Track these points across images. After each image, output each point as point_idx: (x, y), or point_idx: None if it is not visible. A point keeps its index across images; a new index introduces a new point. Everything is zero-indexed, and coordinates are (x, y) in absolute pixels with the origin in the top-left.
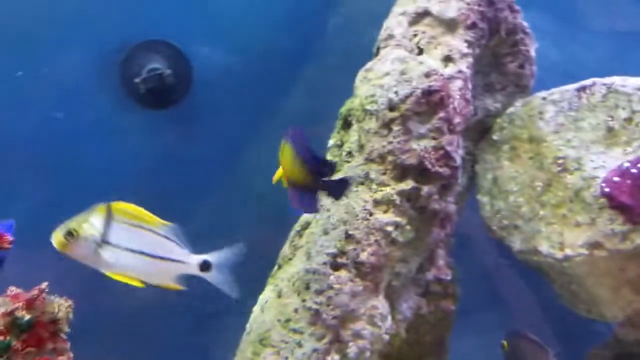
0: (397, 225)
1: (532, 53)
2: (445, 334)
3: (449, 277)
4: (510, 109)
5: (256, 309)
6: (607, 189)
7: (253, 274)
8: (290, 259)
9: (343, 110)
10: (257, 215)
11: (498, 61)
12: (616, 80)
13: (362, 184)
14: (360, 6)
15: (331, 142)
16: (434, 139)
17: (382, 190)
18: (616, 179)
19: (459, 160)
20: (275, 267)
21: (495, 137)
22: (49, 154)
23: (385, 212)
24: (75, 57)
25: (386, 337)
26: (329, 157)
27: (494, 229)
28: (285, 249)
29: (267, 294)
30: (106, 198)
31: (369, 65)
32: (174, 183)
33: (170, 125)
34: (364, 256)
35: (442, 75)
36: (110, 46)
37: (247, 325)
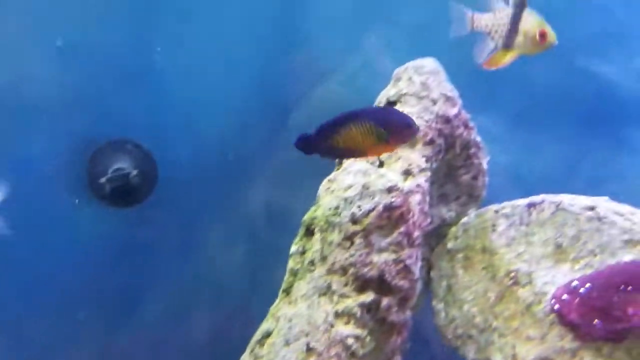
0: (357, 338)
1: (484, 165)
2: None
3: None
4: (465, 219)
5: None
6: (556, 307)
7: None
8: None
9: (306, 218)
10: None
11: (452, 173)
12: (564, 199)
13: (324, 294)
14: (325, 105)
15: (293, 248)
16: (394, 252)
17: (343, 302)
18: (565, 296)
19: (417, 273)
20: None
21: (450, 245)
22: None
23: (346, 324)
24: (41, 154)
25: None
26: (291, 263)
27: (448, 338)
28: (246, 358)
29: None
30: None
31: (332, 175)
32: (135, 278)
33: (135, 222)
34: None
35: (402, 190)
36: (76, 145)
37: None
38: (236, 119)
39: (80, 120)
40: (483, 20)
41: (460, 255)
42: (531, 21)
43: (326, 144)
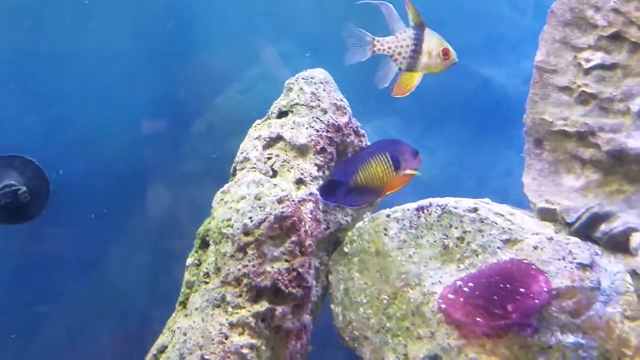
0: (252, 347)
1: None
2: None
3: None
4: (359, 224)
5: None
6: (443, 306)
7: None
8: None
9: (201, 229)
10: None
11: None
12: (450, 202)
13: (218, 306)
14: (225, 113)
15: (189, 260)
16: (287, 261)
17: (237, 313)
18: (451, 296)
19: (311, 281)
20: None
21: (346, 249)
22: None
23: (241, 334)
24: None
25: None
26: (187, 276)
27: (346, 340)
28: None
29: None
30: None
31: (225, 187)
32: (32, 295)
33: (29, 239)
34: None
35: (294, 200)
36: None
37: None
38: (134, 131)
39: None
40: (385, 44)
41: (356, 259)
42: (433, 41)
43: (350, 184)
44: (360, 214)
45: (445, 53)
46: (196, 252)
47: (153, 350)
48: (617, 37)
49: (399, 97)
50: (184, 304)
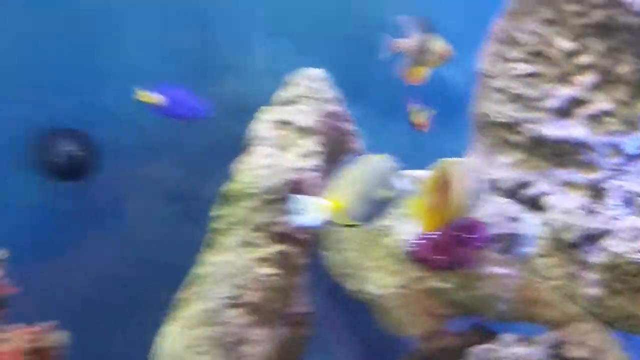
0: (272, 275)
1: (359, 146)
2: (300, 353)
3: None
4: None
5: (163, 338)
6: (410, 249)
7: None
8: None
9: (224, 190)
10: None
11: (339, 154)
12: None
13: (246, 246)
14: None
15: (215, 213)
16: None
17: (260, 251)
18: (417, 241)
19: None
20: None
21: None
22: None
23: (264, 267)
24: None
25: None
26: (213, 224)
27: (335, 275)
28: (181, 295)
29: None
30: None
31: (244, 158)
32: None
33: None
34: (250, 298)
35: (302, 168)
36: (29, 131)
37: (155, 354)
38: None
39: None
40: (403, 44)
41: None
42: (437, 43)
43: None
44: None
45: (447, 52)
46: (221, 207)
47: (189, 279)
48: (537, 53)
49: (409, 83)
50: (211, 246)
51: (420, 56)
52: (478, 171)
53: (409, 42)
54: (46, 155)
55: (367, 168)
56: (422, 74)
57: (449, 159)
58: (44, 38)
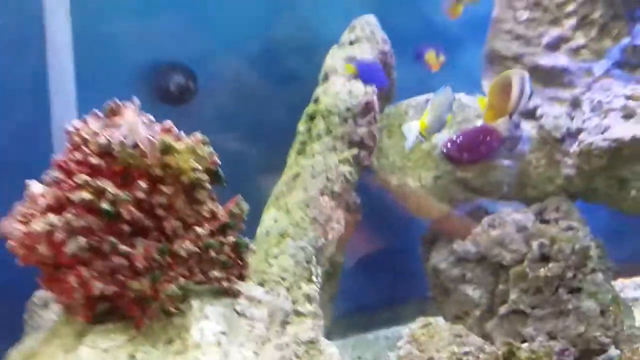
0: (350, 172)
1: (394, 75)
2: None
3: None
4: (386, 110)
5: (267, 220)
6: (444, 150)
7: None
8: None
9: (308, 110)
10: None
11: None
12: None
13: (332, 150)
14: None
15: (301, 128)
16: (368, 125)
17: (343, 154)
18: (448, 144)
19: (377, 136)
20: (273, 198)
21: (379, 125)
22: None
23: (345, 165)
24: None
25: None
26: (300, 137)
27: (381, 174)
28: (280, 187)
29: (275, 213)
30: None
31: (324, 86)
32: None
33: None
34: (335, 188)
35: (369, 93)
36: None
37: (263, 231)
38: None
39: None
40: None
41: (385, 130)
42: None
43: None
44: (387, 103)
45: None
46: (305, 122)
47: (288, 176)
48: (537, 4)
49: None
50: (300, 152)
51: None
52: (527, 79)
53: None
54: (158, 85)
55: (440, 97)
56: (459, 10)
57: (510, 70)
58: None
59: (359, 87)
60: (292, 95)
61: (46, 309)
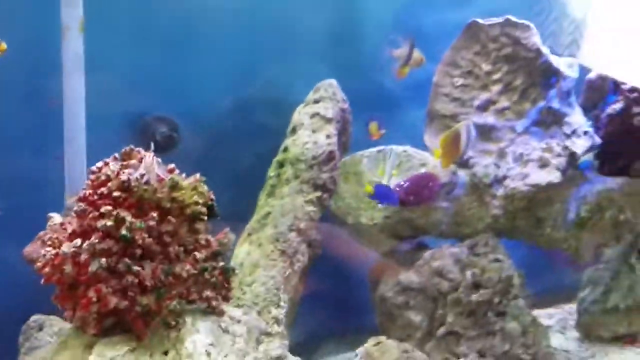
0: (314, 212)
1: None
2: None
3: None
4: (343, 159)
5: (241, 254)
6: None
7: None
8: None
9: (278, 158)
10: None
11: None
12: (393, 147)
13: (299, 193)
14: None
15: (272, 173)
16: (330, 171)
17: (308, 196)
18: (397, 188)
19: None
20: (245, 234)
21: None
22: None
23: (310, 205)
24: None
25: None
26: (270, 181)
27: (338, 215)
28: (253, 224)
29: (247, 247)
30: None
31: (292, 137)
32: None
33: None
34: (301, 225)
35: (331, 144)
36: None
37: (237, 262)
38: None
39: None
40: (396, 53)
41: (342, 176)
42: (416, 54)
43: None
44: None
45: (421, 60)
46: (275, 169)
47: (259, 214)
48: (469, 72)
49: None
50: (270, 194)
51: (406, 61)
52: (472, 127)
53: (400, 51)
54: (146, 134)
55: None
56: (405, 72)
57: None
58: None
59: (322, 139)
60: (261, 145)
61: (41, 331)
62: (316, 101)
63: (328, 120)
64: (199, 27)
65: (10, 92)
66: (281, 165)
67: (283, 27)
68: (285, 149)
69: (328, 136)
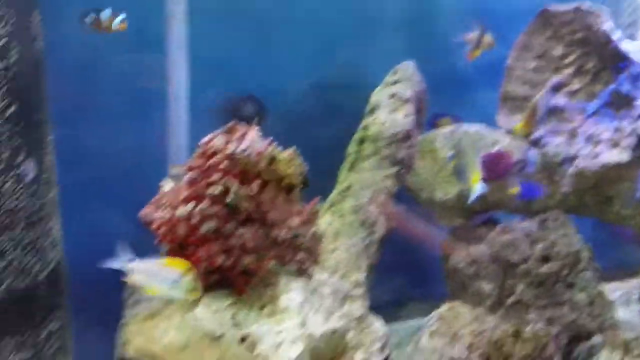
0: (392, 186)
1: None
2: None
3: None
4: (420, 138)
5: (323, 224)
6: None
7: None
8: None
9: (357, 136)
10: None
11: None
12: (465, 126)
13: (377, 169)
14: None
15: (351, 150)
16: (408, 148)
17: (386, 171)
18: None
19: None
20: (327, 206)
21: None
22: None
23: (388, 180)
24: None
25: None
26: (350, 157)
27: (413, 190)
28: (334, 196)
29: (329, 218)
30: None
31: (373, 116)
32: None
33: None
34: (380, 198)
35: (407, 122)
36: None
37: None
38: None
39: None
40: (468, 37)
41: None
42: (487, 37)
43: None
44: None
45: (491, 43)
46: (356, 145)
47: (340, 188)
48: (542, 55)
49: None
50: (350, 169)
51: (477, 45)
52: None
53: (472, 35)
54: (235, 112)
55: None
56: (478, 54)
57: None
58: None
59: (400, 118)
60: (338, 126)
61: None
62: (395, 82)
63: (406, 101)
64: (286, 12)
65: (121, 71)
66: (361, 142)
67: (361, 12)
68: (365, 127)
69: (406, 115)
